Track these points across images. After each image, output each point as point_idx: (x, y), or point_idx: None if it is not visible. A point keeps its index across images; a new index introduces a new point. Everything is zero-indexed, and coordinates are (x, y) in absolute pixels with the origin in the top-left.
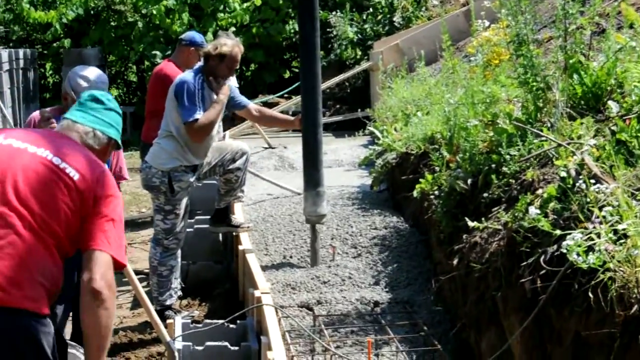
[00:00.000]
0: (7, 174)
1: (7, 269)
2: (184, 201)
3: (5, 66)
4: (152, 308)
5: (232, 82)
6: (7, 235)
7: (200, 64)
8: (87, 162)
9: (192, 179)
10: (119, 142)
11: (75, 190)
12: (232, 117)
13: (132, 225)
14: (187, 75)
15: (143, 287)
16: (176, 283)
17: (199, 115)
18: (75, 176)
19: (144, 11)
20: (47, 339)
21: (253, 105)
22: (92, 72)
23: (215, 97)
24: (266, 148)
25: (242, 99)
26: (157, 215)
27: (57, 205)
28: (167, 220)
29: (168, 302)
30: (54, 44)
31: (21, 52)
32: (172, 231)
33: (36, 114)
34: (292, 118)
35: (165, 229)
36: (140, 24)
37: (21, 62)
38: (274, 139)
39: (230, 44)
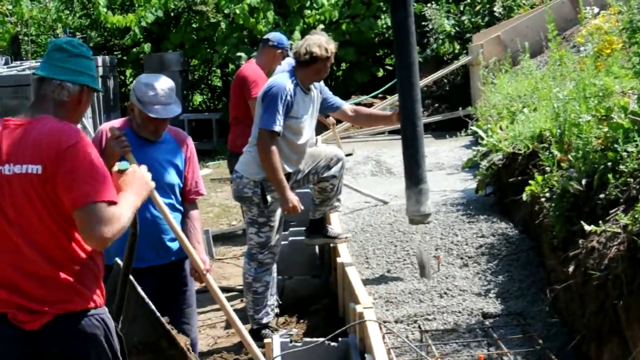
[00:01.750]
0: None
1: (33, 286)
2: (278, 212)
3: None
4: (243, 328)
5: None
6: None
7: (288, 64)
8: (41, 147)
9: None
10: (95, 87)
11: (44, 180)
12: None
13: (223, 239)
14: (280, 79)
15: (237, 304)
16: (272, 300)
17: (277, 126)
18: (38, 170)
19: (226, 11)
20: (98, 330)
21: (348, 106)
22: (158, 80)
23: (308, 100)
24: (349, 154)
25: (336, 100)
26: (250, 229)
27: (40, 210)
28: (261, 233)
29: (264, 320)
30: (134, 49)
31: (99, 59)
32: (267, 245)
33: (105, 128)
34: (389, 113)
35: (260, 242)
36: (223, 25)
37: (100, 70)
38: (369, 142)
39: (329, 40)
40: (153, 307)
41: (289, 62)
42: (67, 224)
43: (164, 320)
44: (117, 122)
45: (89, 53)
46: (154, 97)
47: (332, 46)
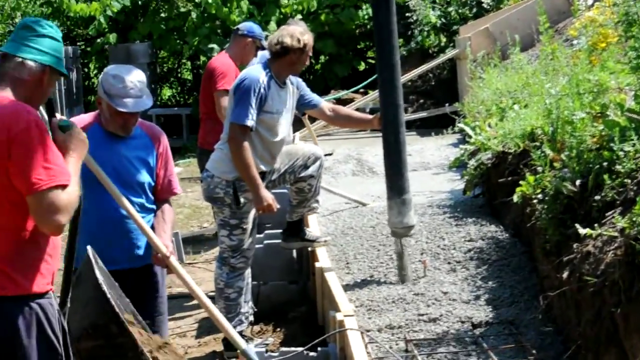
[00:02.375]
0: None
1: None
2: (252, 214)
3: None
4: (216, 310)
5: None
6: None
7: (263, 56)
8: None
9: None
10: (59, 68)
11: None
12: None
13: (194, 242)
14: (253, 71)
15: None
16: (246, 307)
17: (249, 121)
18: None
19: (197, 0)
20: (30, 316)
21: (326, 104)
22: (127, 71)
23: (284, 95)
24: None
25: (313, 97)
26: (221, 231)
27: None
28: (233, 236)
29: (238, 329)
30: (98, 40)
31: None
32: (240, 248)
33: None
34: (370, 117)
35: (232, 246)
36: (194, 15)
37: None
38: (350, 140)
39: (303, 30)
40: (105, 289)
41: (264, 54)
42: (14, 208)
43: (114, 304)
44: (87, 117)
45: (58, 35)
46: (123, 90)
47: (306, 37)
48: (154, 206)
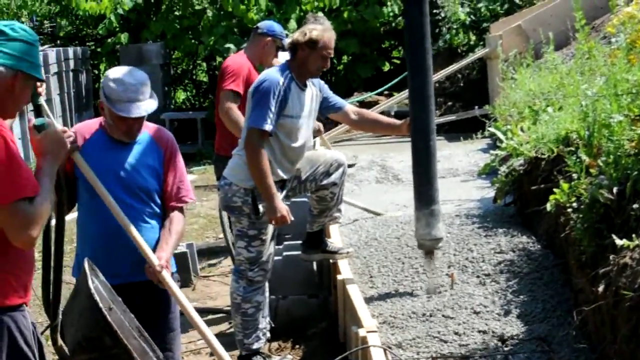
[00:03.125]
0: None
1: None
2: (271, 225)
3: (53, 68)
4: (208, 331)
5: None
6: None
7: (285, 57)
8: None
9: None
10: (32, 73)
11: None
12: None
13: (209, 253)
14: (272, 72)
15: (224, 327)
16: (264, 323)
17: (268, 125)
18: None
19: None
20: None
21: (350, 107)
22: (128, 73)
23: (305, 98)
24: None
25: (337, 100)
26: (239, 242)
27: None
28: (251, 247)
29: (255, 346)
30: (109, 40)
31: (71, 50)
32: (258, 260)
33: (80, 129)
34: (398, 122)
35: (250, 257)
36: (209, 13)
37: (71, 63)
38: (374, 145)
39: (321, 28)
40: (97, 298)
41: (285, 56)
42: None
43: (106, 313)
44: (92, 122)
45: (32, 38)
46: (124, 94)
47: (315, 33)
48: (162, 215)
